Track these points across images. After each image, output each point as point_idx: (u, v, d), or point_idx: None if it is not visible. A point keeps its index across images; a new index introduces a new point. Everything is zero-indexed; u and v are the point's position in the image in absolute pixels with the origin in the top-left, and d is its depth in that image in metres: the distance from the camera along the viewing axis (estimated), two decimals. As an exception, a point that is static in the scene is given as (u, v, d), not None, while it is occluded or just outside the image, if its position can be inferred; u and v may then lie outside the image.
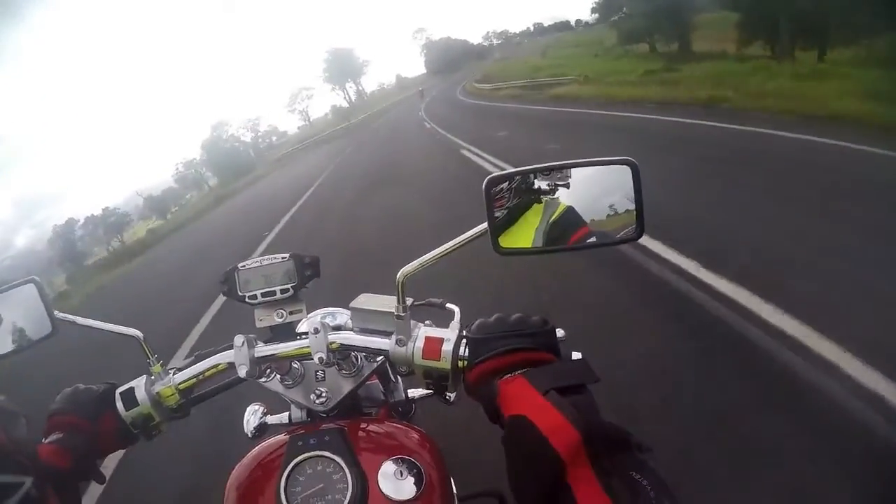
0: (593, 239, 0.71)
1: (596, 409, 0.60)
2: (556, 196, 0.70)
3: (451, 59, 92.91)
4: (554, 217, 0.70)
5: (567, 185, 0.70)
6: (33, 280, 0.85)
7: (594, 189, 0.70)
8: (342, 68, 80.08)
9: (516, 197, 0.71)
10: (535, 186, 0.70)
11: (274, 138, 69.83)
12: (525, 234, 0.71)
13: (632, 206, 0.69)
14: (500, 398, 0.64)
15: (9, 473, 0.54)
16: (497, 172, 0.70)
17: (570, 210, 0.70)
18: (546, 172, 0.70)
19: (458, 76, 67.29)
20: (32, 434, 0.62)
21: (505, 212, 0.71)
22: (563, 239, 0.71)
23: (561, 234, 0.71)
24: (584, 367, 0.65)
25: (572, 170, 0.70)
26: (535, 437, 0.56)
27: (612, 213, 0.70)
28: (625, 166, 0.68)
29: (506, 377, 0.65)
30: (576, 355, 0.69)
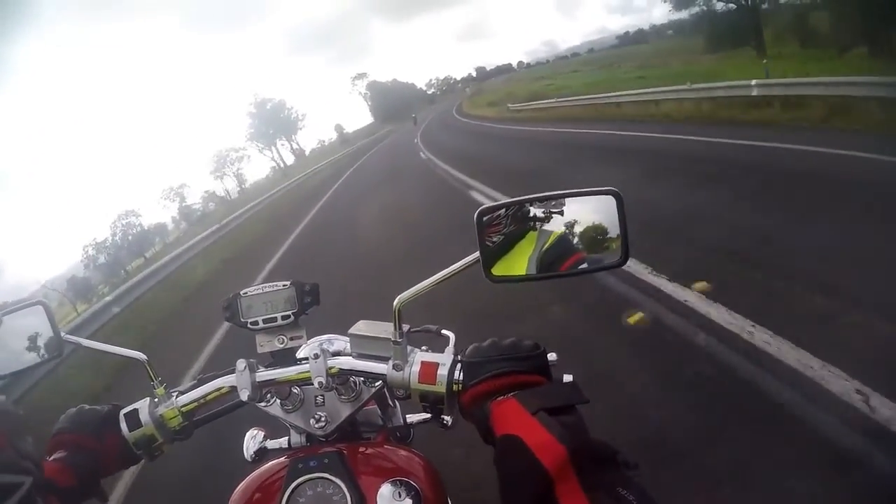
0: (584, 265, 0.73)
1: (584, 428, 0.62)
2: (550, 224, 0.73)
3: (401, 105, 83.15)
4: (547, 245, 0.73)
5: (561, 213, 0.72)
6: (41, 302, 0.87)
7: (585, 217, 0.72)
8: (271, 123, 65.35)
9: (512, 224, 0.74)
10: (531, 214, 0.73)
11: (212, 205, 52.92)
12: (519, 262, 0.74)
13: (617, 233, 0.71)
14: (493, 419, 0.66)
15: (9, 473, 0.55)
16: (488, 204, 0.74)
17: (563, 237, 0.73)
18: (536, 202, 0.73)
19: (416, 123, 55.88)
20: (33, 436, 0.63)
21: (502, 237, 0.74)
22: (555, 266, 0.73)
23: (554, 262, 0.73)
24: (574, 388, 0.68)
25: (566, 199, 0.72)
26: (524, 454, 0.59)
27: (601, 238, 0.72)
28: (609, 196, 0.71)
29: (498, 399, 0.67)
30: (567, 378, 0.71)
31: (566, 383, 0.70)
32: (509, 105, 28.93)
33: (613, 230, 0.71)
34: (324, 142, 77.54)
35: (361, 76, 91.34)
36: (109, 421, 0.82)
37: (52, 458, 0.77)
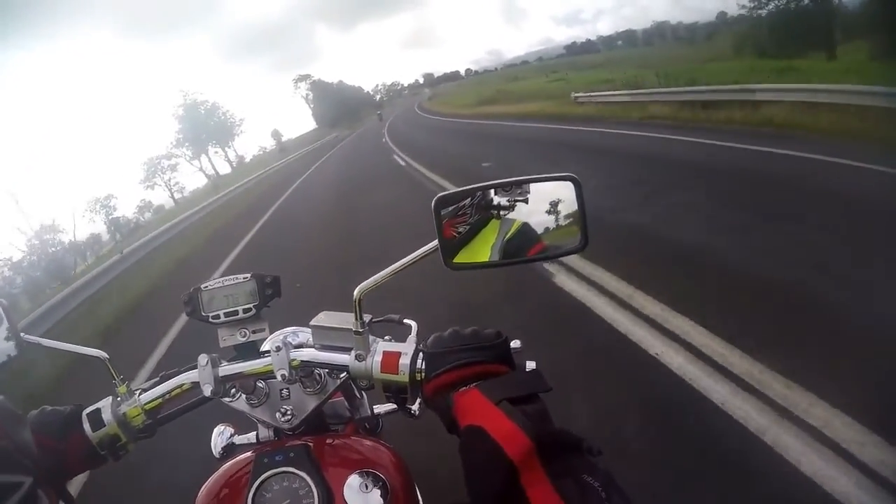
0: (546, 252, 0.74)
1: (547, 416, 0.62)
2: (513, 212, 0.73)
3: (347, 109, 74.17)
4: (510, 233, 0.73)
5: (526, 201, 0.73)
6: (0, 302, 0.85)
7: (545, 203, 0.73)
8: (202, 127, 54.78)
9: (477, 213, 0.74)
10: (494, 203, 0.73)
11: (148, 214, 45.38)
12: (482, 250, 0.74)
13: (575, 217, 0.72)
14: (456, 410, 0.66)
15: (9, 473, 0.54)
16: (445, 192, 0.73)
17: (525, 226, 0.73)
18: (496, 189, 0.73)
19: (369, 130, 49.69)
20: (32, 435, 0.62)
21: (467, 227, 0.74)
22: (518, 254, 0.74)
23: (517, 250, 0.74)
24: (537, 376, 0.68)
25: (530, 185, 0.72)
26: (489, 445, 0.59)
27: (562, 224, 0.73)
28: (568, 182, 0.71)
29: (461, 390, 0.67)
30: (530, 364, 0.71)
31: (529, 371, 0.70)
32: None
33: (572, 214, 0.72)
34: (265, 148, 66.38)
35: (304, 77, 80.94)
36: (72, 421, 0.81)
37: None
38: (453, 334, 0.73)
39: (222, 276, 0.84)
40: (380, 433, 1.03)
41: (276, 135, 66.88)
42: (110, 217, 42.17)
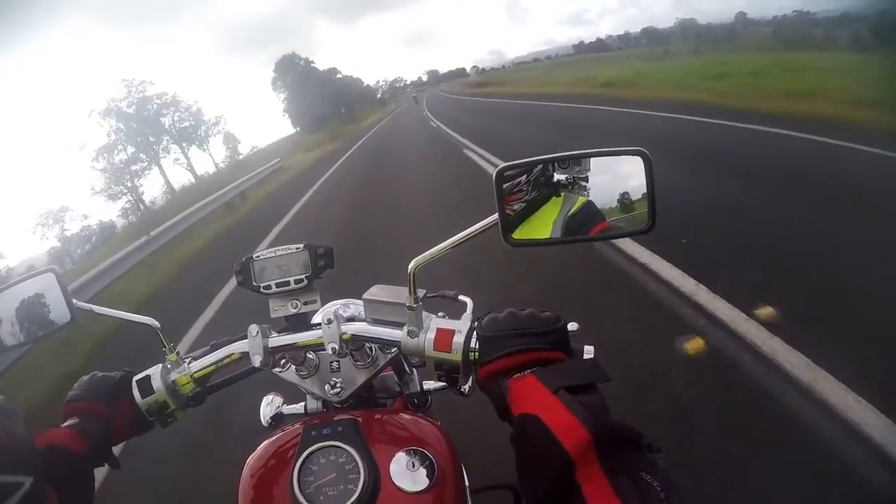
0: (610, 231, 0.70)
1: (606, 409, 0.59)
2: (575, 189, 0.69)
3: (342, 103, 57.50)
4: (573, 210, 0.70)
5: (586, 179, 0.69)
6: (52, 269, 0.87)
7: (609, 178, 0.69)
8: (151, 126, 40.05)
9: (535, 190, 0.70)
10: (554, 179, 0.70)
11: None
12: (542, 227, 0.71)
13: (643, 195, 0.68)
14: (511, 396, 0.64)
15: (9, 473, 0.54)
16: (508, 163, 0.69)
17: (588, 204, 0.69)
18: (561, 163, 0.69)
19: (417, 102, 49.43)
20: (31, 434, 0.62)
21: (523, 204, 0.70)
22: (581, 232, 0.70)
23: (579, 228, 0.70)
24: (595, 365, 0.65)
25: (590, 161, 0.68)
26: (544, 435, 0.56)
27: (627, 202, 0.69)
28: (636, 157, 0.67)
29: (515, 376, 0.65)
30: (588, 349, 0.69)
31: (587, 360, 0.67)
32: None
33: (639, 192, 0.68)
34: (255, 147, 45.94)
35: (292, 56, 57.50)
36: (121, 387, 0.82)
37: (64, 424, 0.77)
38: (509, 317, 0.70)
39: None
40: (428, 409, 1.02)
41: (229, 140, 42.56)
42: (64, 234, 33.16)
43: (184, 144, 41.61)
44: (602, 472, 0.55)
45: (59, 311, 0.87)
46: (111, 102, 37.13)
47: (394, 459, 0.70)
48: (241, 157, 42.80)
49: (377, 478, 0.68)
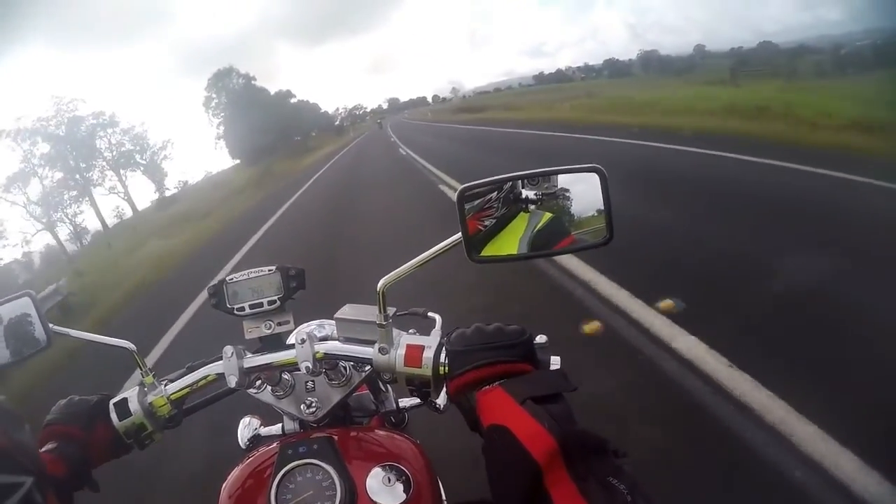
0: (572, 245, 0.72)
1: (572, 417, 0.61)
2: (542, 206, 0.71)
3: (295, 131, 50.16)
4: (539, 226, 0.72)
5: (554, 195, 0.71)
6: (28, 293, 0.87)
7: (571, 195, 0.71)
8: (85, 151, 35.08)
9: (504, 207, 0.72)
10: (523, 196, 0.72)
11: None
12: (510, 243, 0.73)
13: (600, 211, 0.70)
14: (480, 409, 0.65)
15: (9, 473, 0.54)
16: (469, 183, 0.71)
17: (555, 220, 0.71)
18: (530, 180, 0.71)
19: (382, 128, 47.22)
20: (34, 435, 0.63)
21: (493, 221, 0.72)
22: (546, 247, 0.73)
23: (545, 243, 0.72)
24: (561, 376, 0.67)
25: (558, 178, 0.71)
26: (513, 445, 0.58)
27: (586, 217, 0.71)
28: (592, 173, 0.69)
29: (484, 388, 0.66)
30: (554, 360, 0.70)
31: (552, 371, 0.69)
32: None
33: (595, 208, 0.71)
34: (186, 182, 41.19)
35: (225, 74, 47.71)
36: (99, 411, 0.82)
37: (43, 450, 0.77)
38: (476, 331, 0.72)
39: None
40: (405, 427, 1.02)
41: (154, 173, 37.33)
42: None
43: (122, 171, 36.71)
44: (570, 477, 0.56)
45: (35, 336, 0.87)
46: (37, 122, 32.58)
47: (370, 475, 0.71)
48: (168, 192, 38.08)
49: (354, 494, 0.69)
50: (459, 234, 0.71)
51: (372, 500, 0.69)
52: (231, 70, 48.88)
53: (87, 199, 34.08)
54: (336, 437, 0.77)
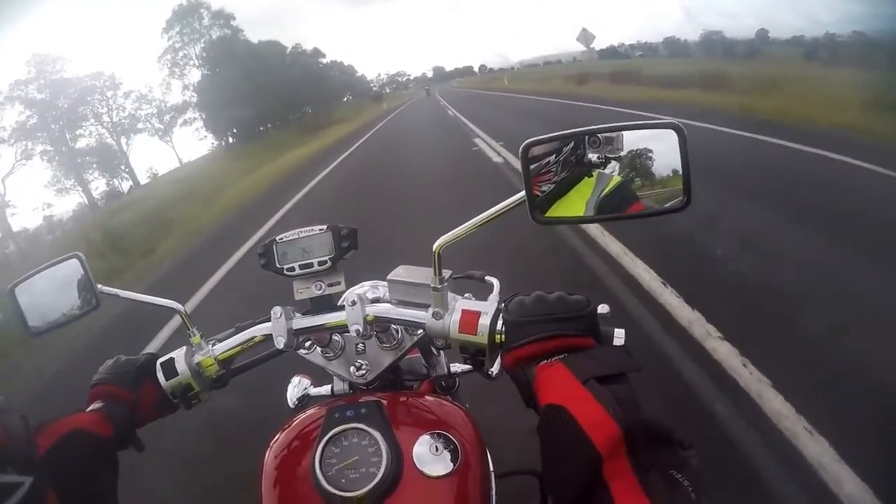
0: (643, 210, 0.67)
1: (636, 401, 0.57)
2: (607, 169, 0.66)
3: (308, 100, 38.20)
4: (606, 190, 0.67)
5: (619, 158, 0.66)
6: (77, 255, 0.87)
7: (643, 154, 0.66)
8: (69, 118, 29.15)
9: (565, 170, 0.68)
10: (585, 159, 0.67)
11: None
12: (576, 205, 0.68)
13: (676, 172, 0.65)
14: (537, 385, 0.62)
15: (9, 473, 0.54)
16: (534, 137, 0.67)
17: (623, 184, 0.66)
18: (592, 143, 0.66)
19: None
20: (32, 433, 0.63)
21: (552, 185, 0.68)
22: (615, 211, 0.68)
23: (613, 207, 0.67)
24: (625, 354, 0.63)
25: (623, 140, 0.66)
26: (572, 429, 0.55)
27: (658, 179, 0.66)
28: (670, 130, 0.64)
29: (543, 363, 0.63)
30: (618, 334, 0.66)
31: (616, 347, 0.65)
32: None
33: (671, 169, 0.65)
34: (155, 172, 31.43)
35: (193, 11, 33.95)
36: (146, 371, 0.83)
37: (89, 409, 0.78)
38: (537, 300, 0.68)
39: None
40: (455, 392, 1.01)
41: (106, 159, 30.00)
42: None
43: (122, 138, 30.70)
44: (631, 469, 0.53)
45: (85, 297, 0.88)
46: (17, 88, 26.63)
47: (417, 442, 0.70)
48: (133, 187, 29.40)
49: (400, 461, 0.68)
50: (522, 193, 0.67)
51: (418, 469, 0.68)
52: (199, 4, 34.40)
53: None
54: (385, 402, 0.75)
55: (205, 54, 34.98)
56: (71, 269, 0.87)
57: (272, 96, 33.75)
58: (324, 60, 46.19)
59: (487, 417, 0.83)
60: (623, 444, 0.53)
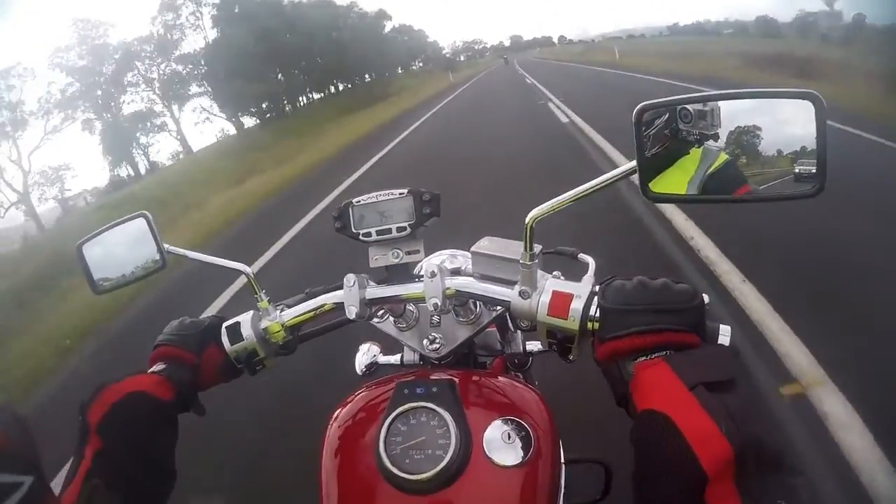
0: (756, 194, 0.60)
1: (749, 416, 0.50)
2: (713, 144, 0.59)
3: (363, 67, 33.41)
4: (712, 168, 0.60)
5: (716, 136, 0.59)
6: (144, 214, 0.86)
7: (759, 127, 0.58)
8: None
9: (657, 145, 0.61)
10: (679, 134, 0.60)
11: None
12: (679, 180, 0.61)
13: (805, 149, 0.56)
14: (636, 384, 0.56)
15: (9, 473, 0.53)
16: (650, 101, 0.60)
17: (730, 163, 0.59)
18: (684, 118, 0.60)
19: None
20: (31, 432, 0.62)
21: (659, 151, 0.61)
22: (722, 192, 0.61)
23: (720, 187, 0.60)
24: (733, 354, 0.56)
25: (734, 104, 0.58)
26: (677, 441, 0.49)
27: (778, 157, 0.58)
28: (805, 101, 0.55)
29: (643, 360, 0.57)
30: (724, 331, 0.59)
31: (724, 348, 0.58)
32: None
33: (800, 145, 0.57)
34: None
35: None
36: (211, 334, 0.82)
37: (151, 370, 0.77)
38: (638, 287, 0.61)
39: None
40: (528, 369, 0.97)
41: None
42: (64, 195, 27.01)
43: (173, 102, 29.01)
44: (737, 495, 0.47)
45: (151, 255, 0.87)
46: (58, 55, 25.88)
47: (489, 427, 0.66)
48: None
49: (469, 446, 0.64)
50: (634, 163, 0.61)
51: (487, 457, 0.64)
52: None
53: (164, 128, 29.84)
54: (457, 381, 0.71)
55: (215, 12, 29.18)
56: (138, 228, 0.86)
57: (306, 64, 28.96)
58: (390, 24, 41.49)
59: (554, 393, 0.77)
60: (732, 466, 0.47)
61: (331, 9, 33.78)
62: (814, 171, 0.56)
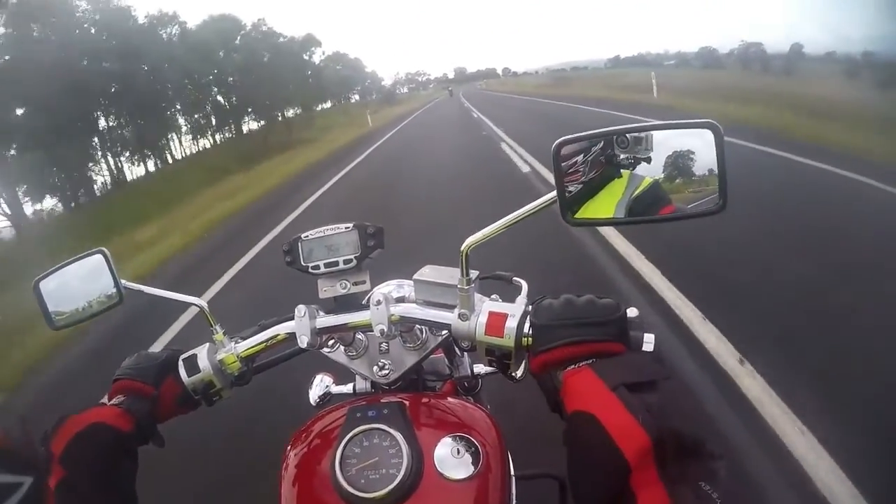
0: (677, 213, 0.65)
1: (667, 409, 0.55)
2: (638, 168, 0.65)
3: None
4: (637, 192, 0.65)
5: (648, 160, 0.64)
6: (102, 251, 0.88)
7: (671, 155, 0.64)
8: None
9: (593, 170, 0.66)
10: (615, 159, 0.65)
11: None
12: (605, 207, 0.66)
13: (710, 174, 0.62)
14: (565, 390, 0.61)
15: (9, 473, 0.54)
16: (567, 136, 0.65)
17: (655, 185, 0.64)
18: (620, 143, 0.64)
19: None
20: (31, 433, 0.63)
21: (580, 186, 0.66)
22: (647, 213, 0.66)
23: (645, 209, 0.65)
24: (655, 359, 0.61)
25: (653, 140, 0.64)
26: (600, 437, 0.54)
27: (690, 181, 0.64)
28: (706, 130, 0.62)
29: (570, 368, 0.62)
30: (648, 339, 0.64)
31: (646, 353, 0.63)
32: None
33: (700, 169, 0.63)
34: None
35: None
36: (168, 366, 0.83)
37: (111, 403, 0.78)
38: (566, 303, 0.66)
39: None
40: (478, 393, 1.00)
41: None
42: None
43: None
44: (660, 479, 0.52)
45: (108, 292, 0.88)
46: None
47: (439, 444, 0.69)
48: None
49: (421, 463, 0.67)
50: (554, 194, 0.66)
51: (439, 472, 0.67)
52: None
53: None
54: (407, 403, 0.75)
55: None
56: (95, 264, 0.88)
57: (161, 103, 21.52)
58: (318, 51, 36.37)
59: (506, 415, 0.81)
60: (652, 454, 0.52)
61: (231, 24, 28.18)
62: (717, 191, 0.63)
